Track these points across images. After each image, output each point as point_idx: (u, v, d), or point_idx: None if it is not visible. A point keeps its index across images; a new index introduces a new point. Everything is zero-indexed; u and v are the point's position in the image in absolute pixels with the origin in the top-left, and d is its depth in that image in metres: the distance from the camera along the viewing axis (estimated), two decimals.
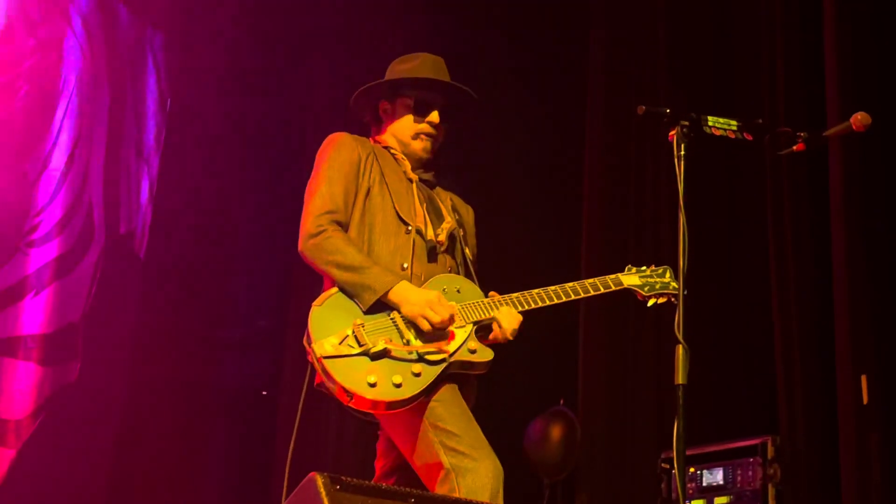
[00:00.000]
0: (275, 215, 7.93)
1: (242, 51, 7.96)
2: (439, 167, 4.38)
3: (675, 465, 3.45)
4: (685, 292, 3.66)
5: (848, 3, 5.34)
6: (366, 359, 3.77)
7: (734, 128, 3.76)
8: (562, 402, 6.66)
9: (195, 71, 7.99)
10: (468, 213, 4.43)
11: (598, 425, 6.47)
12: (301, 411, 3.92)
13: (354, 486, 2.93)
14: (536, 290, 4.09)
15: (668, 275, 4.33)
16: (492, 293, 4.09)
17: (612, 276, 4.27)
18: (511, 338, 4.02)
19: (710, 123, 3.74)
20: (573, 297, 4.13)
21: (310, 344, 3.81)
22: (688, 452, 3.49)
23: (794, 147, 3.84)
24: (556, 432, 6.51)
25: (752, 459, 5.38)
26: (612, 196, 6.80)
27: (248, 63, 8.11)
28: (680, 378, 3.50)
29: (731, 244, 6.28)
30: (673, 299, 4.24)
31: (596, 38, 7.14)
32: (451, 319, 3.89)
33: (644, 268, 4.34)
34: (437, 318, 3.85)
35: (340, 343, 3.79)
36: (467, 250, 4.28)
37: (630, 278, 4.29)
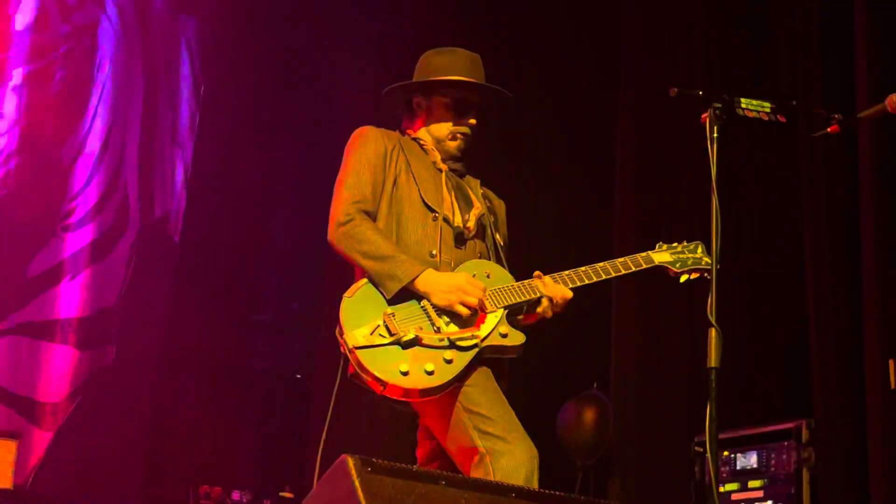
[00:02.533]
0: (309, 199, 7.95)
1: (276, 36, 7.97)
2: (471, 158, 4.34)
3: (709, 449, 3.44)
4: (718, 266, 3.63)
5: None
6: (397, 348, 3.78)
7: (767, 110, 3.74)
8: (595, 385, 6.65)
9: (229, 56, 8.02)
10: (500, 206, 4.40)
11: (630, 409, 6.46)
12: (335, 399, 3.93)
13: (386, 468, 2.93)
14: (567, 272, 4.04)
15: (699, 250, 4.22)
16: (536, 273, 4.05)
17: (643, 254, 4.18)
18: (560, 310, 4.00)
19: (743, 105, 3.71)
20: (604, 276, 4.07)
21: (341, 335, 3.81)
22: (721, 436, 3.49)
23: (829, 129, 3.81)
24: (588, 416, 6.51)
25: (786, 443, 5.35)
26: (645, 178, 6.77)
27: (282, 48, 8.13)
28: (713, 361, 3.49)
29: (764, 227, 6.25)
30: (706, 275, 4.11)
31: (630, 18, 7.10)
32: (484, 297, 3.88)
33: (675, 244, 4.24)
34: (473, 300, 3.84)
35: (371, 333, 3.79)
36: (497, 236, 4.24)
37: (661, 255, 4.20)
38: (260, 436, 8.11)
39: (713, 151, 3.63)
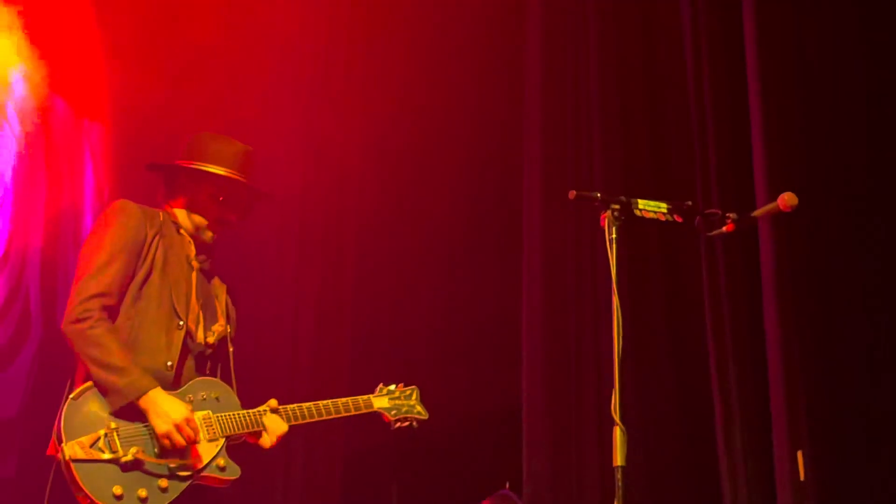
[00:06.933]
0: None
1: (180, 142, 7.93)
2: (216, 253, 4.37)
3: None
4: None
5: (774, 87, 5.42)
6: (115, 467, 3.73)
7: (664, 210, 3.81)
8: (507, 485, 6.61)
9: (133, 162, 7.94)
10: (231, 306, 4.38)
11: None
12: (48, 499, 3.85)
13: None
14: (293, 406, 4.17)
15: (414, 397, 4.43)
16: (270, 402, 4.14)
17: (364, 398, 4.34)
18: (274, 445, 4.08)
19: (640, 206, 3.78)
20: (325, 416, 4.19)
21: (60, 442, 3.73)
22: None
23: (724, 228, 3.88)
24: None
25: None
26: (552, 280, 6.78)
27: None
28: (618, 460, 3.50)
29: (669, 323, 6.29)
30: (415, 423, 4.37)
31: (529, 125, 7.18)
32: (195, 441, 3.86)
33: (393, 387, 4.41)
34: (180, 441, 3.81)
35: (92, 445, 3.72)
36: (232, 350, 4.23)
37: (380, 400, 4.35)
38: None
39: (612, 253, 3.67)
